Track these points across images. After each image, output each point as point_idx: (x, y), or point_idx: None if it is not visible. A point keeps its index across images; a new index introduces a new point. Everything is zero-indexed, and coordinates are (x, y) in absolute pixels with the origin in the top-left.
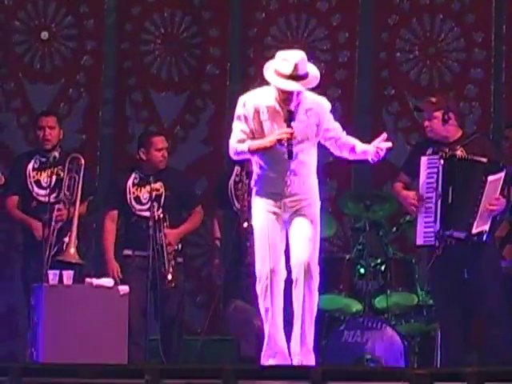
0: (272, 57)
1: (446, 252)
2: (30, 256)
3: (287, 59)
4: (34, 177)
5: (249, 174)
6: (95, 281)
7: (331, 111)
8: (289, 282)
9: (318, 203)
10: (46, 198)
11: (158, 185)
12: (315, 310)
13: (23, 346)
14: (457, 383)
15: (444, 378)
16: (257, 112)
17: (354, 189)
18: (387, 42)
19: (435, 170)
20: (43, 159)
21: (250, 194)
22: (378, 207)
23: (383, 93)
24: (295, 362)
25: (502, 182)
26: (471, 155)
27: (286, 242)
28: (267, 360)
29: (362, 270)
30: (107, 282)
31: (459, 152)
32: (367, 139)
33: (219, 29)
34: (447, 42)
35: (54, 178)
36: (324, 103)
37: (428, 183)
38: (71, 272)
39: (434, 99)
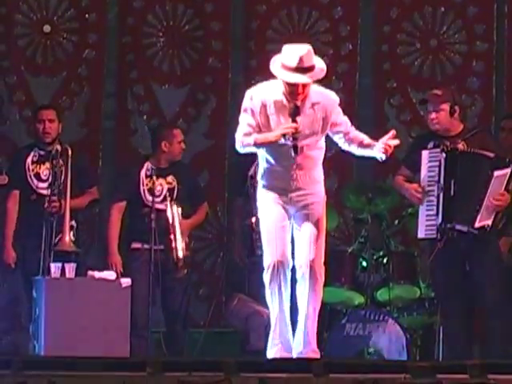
0: (274, 50)
1: (447, 245)
2: (29, 249)
3: (292, 52)
4: (33, 170)
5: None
6: (97, 274)
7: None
8: (293, 281)
9: (324, 197)
10: (46, 191)
11: (171, 178)
12: (319, 304)
13: (25, 339)
14: (459, 375)
15: (446, 371)
16: (264, 106)
17: (355, 181)
18: (389, 34)
19: (437, 163)
20: (42, 152)
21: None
22: (380, 200)
23: (385, 85)
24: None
25: (508, 178)
26: (473, 148)
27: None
28: (272, 349)
29: (364, 263)
30: (109, 274)
31: (461, 146)
32: (369, 132)
33: (221, 22)
34: (449, 34)
35: (52, 170)
36: (331, 97)
37: (429, 176)
38: (73, 265)
39: (439, 92)
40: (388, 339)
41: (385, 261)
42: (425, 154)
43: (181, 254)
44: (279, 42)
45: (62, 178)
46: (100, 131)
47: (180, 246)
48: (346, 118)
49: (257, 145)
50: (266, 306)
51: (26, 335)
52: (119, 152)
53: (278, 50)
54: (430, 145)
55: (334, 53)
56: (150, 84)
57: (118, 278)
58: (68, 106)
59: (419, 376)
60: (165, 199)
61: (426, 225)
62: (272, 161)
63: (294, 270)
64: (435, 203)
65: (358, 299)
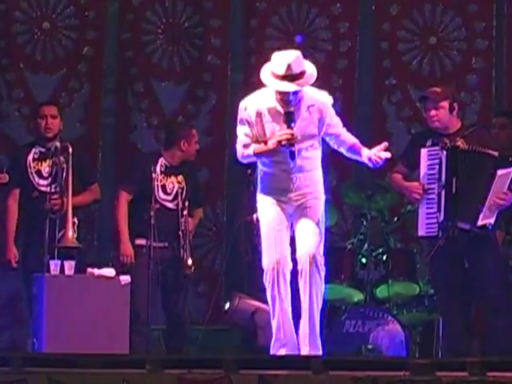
0: (273, 47)
1: (448, 242)
2: (31, 246)
3: (280, 60)
4: (34, 167)
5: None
6: (97, 271)
7: (332, 104)
8: (295, 274)
9: (323, 196)
10: (47, 188)
11: (180, 177)
12: (321, 300)
13: (25, 336)
14: (458, 373)
15: (445, 368)
16: (258, 115)
17: (354, 178)
18: (388, 31)
19: (436, 161)
20: (43, 149)
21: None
22: (380, 197)
23: (384, 83)
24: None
25: (511, 177)
26: (476, 146)
27: (291, 234)
28: (277, 350)
29: (364, 260)
30: (109, 272)
31: (460, 143)
32: (367, 129)
33: (220, 19)
34: (448, 31)
35: (54, 167)
36: (325, 98)
37: (429, 174)
38: (73, 262)
39: (439, 89)
40: (387, 336)
41: (384, 258)
42: (424, 152)
43: (187, 254)
44: (279, 39)
45: (64, 175)
46: (99, 128)
47: (189, 247)
48: (338, 120)
49: (256, 155)
50: (267, 303)
51: (25, 332)
52: (119, 149)
53: (278, 48)
54: (429, 143)
55: (333, 50)
56: (149, 81)
57: (117, 275)
58: (67, 103)
59: (418, 373)
60: (175, 198)
61: (426, 223)
62: (271, 165)
63: (296, 263)
64: (436, 201)
65: (358, 296)
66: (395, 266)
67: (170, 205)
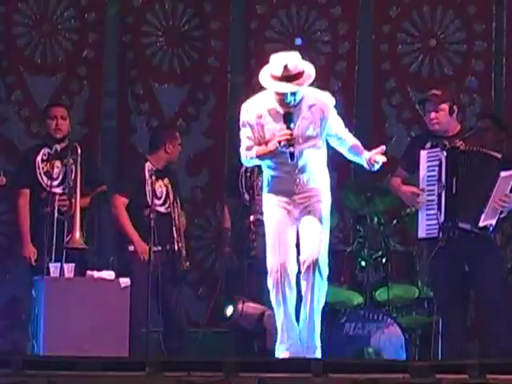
0: (273, 49)
1: (448, 243)
2: (39, 247)
3: (278, 61)
4: (43, 168)
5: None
6: (96, 273)
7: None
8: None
9: (328, 198)
10: (56, 189)
11: (166, 180)
12: (322, 303)
13: (25, 339)
14: (458, 375)
15: (445, 371)
16: (259, 117)
17: (354, 180)
18: (388, 34)
19: (436, 162)
20: (51, 150)
21: (258, 188)
22: (379, 200)
23: (383, 85)
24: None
25: None
26: (478, 148)
27: (297, 237)
28: (281, 353)
29: (363, 263)
30: (108, 274)
31: (459, 144)
32: (367, 131)
33: (220, 21)
34: (448, 33)
35: (63, 168)
36: (327, 98)
37: (429, 176)
38: (72, 265)
39: (439, 92)
40: (387, 339)
41: (384, 260)
42: (423, 154)
43: (184, 251)
44: (278, 41)
45: (73, 176)
46: (100, 131)
47: (183, 242)
48: (340, 120)
49: (259, 157)
50: (269, 307)
51: (25, 335)
52: (119, 151)
53: (278, 50)
54: (428, 145)
55: (333, 52)
56: (149, 83)
57: (117, 277)
58: (68, 106)
59: (418, 376)
60: (165, 201)
61: (426, 224)
62: (274, 167)
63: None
64: (436, 202)
65: (357, 299)
66: (395, 268)
67: (162, 209)
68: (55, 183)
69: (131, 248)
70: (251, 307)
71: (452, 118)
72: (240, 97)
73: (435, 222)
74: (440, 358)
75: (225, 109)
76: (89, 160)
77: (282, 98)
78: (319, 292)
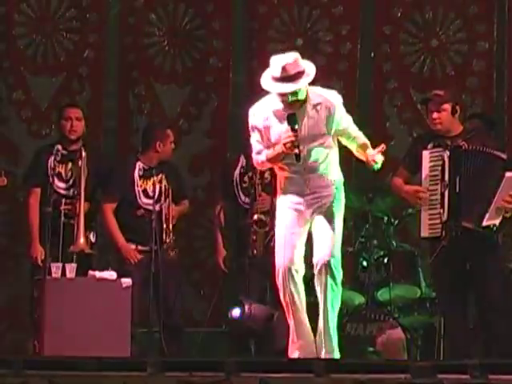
0: (275, 49)
1: (450, 244)
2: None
3: (277, 62)
4: (55, 169)
5: (255, 168)
6: (98, 274)
7: None
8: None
9: (341, 197)
10: (66, 192)
11: (161, 176)
12: (337, 304)
13: (26, 339)
14: (460, 375)
15: (447, 371)
16: (265, 119)
17: (355, 180)
18: (389, 34)
19: (439, 162)
20: (65, 152)
21: (262, 187)
22: (381, 200)
23: (385, 85)
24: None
25: None
26: (483, 147)
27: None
28: (293, 353)
29: (365, 263)
30: (110, 274)
31: (462, 144)
32: (368, 132)
33: (222, 21)
34: (449, 34)
35: (74, 171)
36: (333, 96)
37: (432, 176)
38: (74, 265)
39: (441, 92)
40: (389, 339)
41: (385, 260)
42: (426, 154)
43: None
44: (280, 41)
45: (77, 179)
46: (101, 131)
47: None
48: (349, 118)
49: (269, 160)
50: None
51: (26, 335)
52: (120, 152)
53: (280, 50)
54: (430, 145)
55: (334, 52)
56: (151, 83)
57: (118, 277)
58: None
59: (420, 376)
60: (159, 200)
61: (429, 224)
62: (284, 168)
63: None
64: (439, 202)
65: (359, 299)
66: (396, 268)
67: (156, 207)
68: (64, 185)
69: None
70: (258, 309)
71: (454, 119)
72: (242, 97)
73: (438, 221)
74: (442, 358)
75: (226, 109)
76: (100, 163)
77: (283, 99)
78: (332, 294)
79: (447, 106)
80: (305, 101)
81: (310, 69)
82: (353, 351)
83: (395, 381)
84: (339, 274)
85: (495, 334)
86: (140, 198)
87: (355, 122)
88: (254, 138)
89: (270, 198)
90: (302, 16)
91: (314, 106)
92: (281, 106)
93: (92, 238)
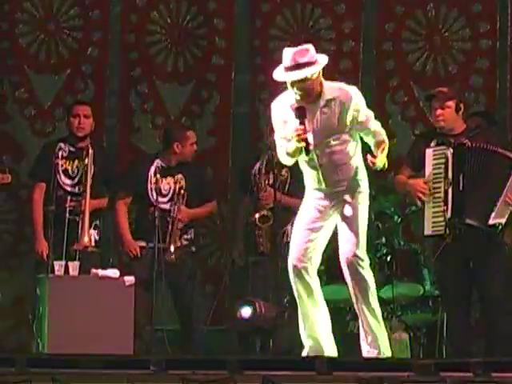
0: (277, 47)
1: (454, 241)
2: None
3: (288, 52)
4: (62, 165)
5: (273, 165)
6: (101, 271)
7: None
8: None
9: (363, 190)
10: (72, 188)
11: (179, 177)
12: (373, 297)
13: (30, 337)
14: (462, 373)
15: (449, 369)
16: (282, 114)
17: None
18: (392, 32)
19: (442, 160)
20: (72, 149)
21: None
22: (383, 198)
23: (387, 83)
24: (364, 354)
25: None
26: (490, 146)
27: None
28: (303, 349)
29: None
30: (113, 272)
31: (466, 142)
32: None
33: (225, 19)
34: (452, 31)
35: (80, 168)
36: (350, 91)
37: (435, 174)
38: (77, 263)
39: (445, 89)
40: (391, 337)
41: (388, 259)
42: (429, 152)
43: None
44: (283, 39)
45: (84, 177)
46: (104, 129)
47: (174, 235)
48: (368, 113)
49: (289, 155)
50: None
51: (30, 333)
52: (121, 150)
53: (282, 48)
54: (433, 143)
55: (337, 50)
56: (153, 81)
57: (121, 275)
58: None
59: (423, 374)
60: (172, 199)
61: (432, 221)
62: (304, 163)
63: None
64: (442, 199)
65: None
66: (399, 266)
67: (166, 206)
68: (71, 182)
69: (140, 243)
70: (267, 307)
71: (458, 116)
72: (244, 95)
73: (442, 218)
74: (445, 355)
75: (229, 107)
76: (106, 161)
77: (294, 90)
78: (363, 289)
79: (451, 103)
80: (319, 96)
81: (321, 59)
82: (356, 349)
83: (398, 378)
84: (366, 268)
85: (498, 331)
86: (152, 195)
87: None
88: (278, 135)
89: (274, 194)
90: (304, 14)
91: (328, 101)
92: (294, 100)
93: (96, 236)
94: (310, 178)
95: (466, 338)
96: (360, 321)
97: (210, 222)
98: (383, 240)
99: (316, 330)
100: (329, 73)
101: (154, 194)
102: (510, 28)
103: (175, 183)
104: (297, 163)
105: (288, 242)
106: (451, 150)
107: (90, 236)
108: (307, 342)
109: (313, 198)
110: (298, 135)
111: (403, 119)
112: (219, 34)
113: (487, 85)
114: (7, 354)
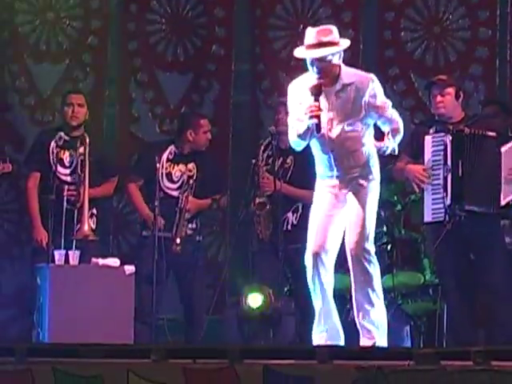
0: (277, 36)
1: (454, 227)
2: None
3: (312, 31)
4: (57, 154)
5: (277, 150)
6: (101, 261)
7: None
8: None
9: (374, 178)
10: (68, 178)
11: (192, 165)
12: (378, 288)
13: (31, 327)
14: (463, 362)
15: (450, 357)
16: (299, 96)
17: None
18: (392, 21)
19: (441, 147)
20: (67, 137)
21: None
22: (384, 187)
23: (387, 72)
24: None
25: None
26: (477, 130)
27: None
28: (318, 336)
29: None
30: (113, 261)
31: (464, 129)
32: None
33: (224, 9)
34: (452, 20)
35: (75, 157)
36: (367, 77)
37: (434, 161)
38: (77, 252)
39: (445, 76)
40: (392, 326)
41: (389, 247)
42: (428, 138)
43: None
44: (283, 28)
45: (81, 166)
46: (103, 118)
47: (181, 226)
48: (384, 101)
49: (300, 137)
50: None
51: (31, 323)
52: (121, 139)
53: (282, 37)
54: (432, 130)
55: None
56: (153, 71)
57: (122, 264)
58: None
59: (423, 363)
60: (181, 186)
61: (432, 208)
62: (316, 149)
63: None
64: (442, 186)
65: None
66: (400, 255)
67: (175, 193)
68: (67, 171)
69: (145, 233)
70: (275, 296)
71: (458, 104)
72: (244, 84)
73: (441, 205)
74: (445, 344)
75: (229, 96)
76: (101, 149)
77: (313, 70)
78: (368, 279)
79: (451, 90)
80: (336, 79)
81: (343, 42)
82: (356, 337)
83: (398, 367)
84: (372, 258)
85: (498, 319)
86: (163, 181)
87: None
88: (292, 116)
89: (274, 182)
90: (304, 3)
91: (344, 86)
92: (314, 81)
93: (92, 225)
94: (322, 163)
95: (466, 327)
96: (357, 311)
97: (209, 213)
98: (384, 229)
99: (333, 316)
100: None
101: (166, 181)
102: (510, 17)
103: (189, 171)
104: (302, 151)
105: (289, 230)
106: (450, 137)
107: (89, 225)
108: (324, 328)
109: (325, 186)
110: (311, 111)
111: (403, 108)
112: (219, 23)
113: (487, 73)
114: (7, 343)
